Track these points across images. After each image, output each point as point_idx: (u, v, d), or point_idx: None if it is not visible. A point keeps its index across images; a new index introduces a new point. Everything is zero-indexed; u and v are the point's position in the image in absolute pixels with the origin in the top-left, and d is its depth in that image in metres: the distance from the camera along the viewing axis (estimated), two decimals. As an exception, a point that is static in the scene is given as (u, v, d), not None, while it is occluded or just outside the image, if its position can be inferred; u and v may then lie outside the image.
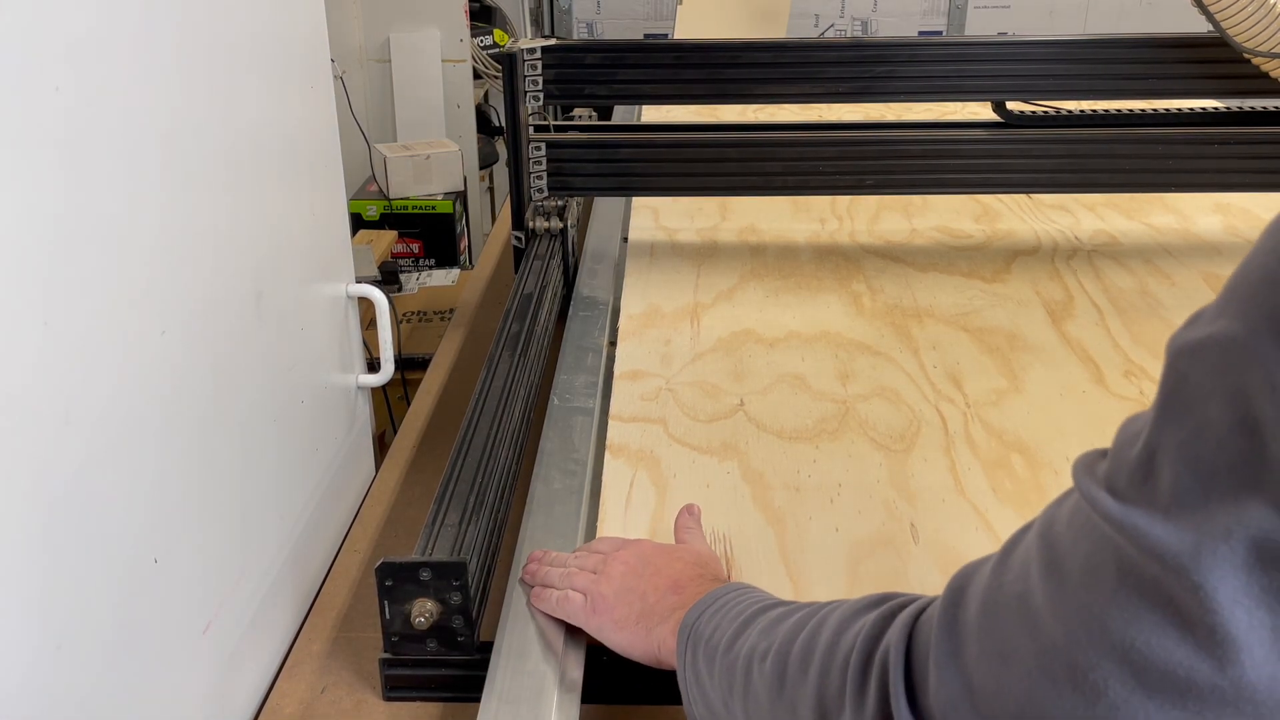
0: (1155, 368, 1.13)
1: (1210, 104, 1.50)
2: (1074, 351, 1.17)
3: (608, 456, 0.98)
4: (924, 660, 0.48)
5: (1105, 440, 1.02)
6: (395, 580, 0.75)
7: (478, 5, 3.21)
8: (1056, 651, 0.41)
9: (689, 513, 0.86)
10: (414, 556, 0.76)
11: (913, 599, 0.53)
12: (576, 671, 0.74)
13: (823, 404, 1.07)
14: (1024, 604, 0.44)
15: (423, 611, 0.75)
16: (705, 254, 1.44)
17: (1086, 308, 1.27)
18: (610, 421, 1.04)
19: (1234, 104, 1.45)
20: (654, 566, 0.77)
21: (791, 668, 0.57)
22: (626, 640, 0.74)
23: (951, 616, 0.47)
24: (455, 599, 0.75)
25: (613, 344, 1.25)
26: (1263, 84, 1.24)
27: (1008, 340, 1.19)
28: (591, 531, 0.91)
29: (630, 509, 0.90)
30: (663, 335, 1.21)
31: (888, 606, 0.53)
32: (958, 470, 0.95)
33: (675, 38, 3.13)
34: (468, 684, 0.77)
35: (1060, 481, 0.93)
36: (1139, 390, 1.08)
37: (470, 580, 0.75)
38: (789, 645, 0.58)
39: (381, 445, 1.26)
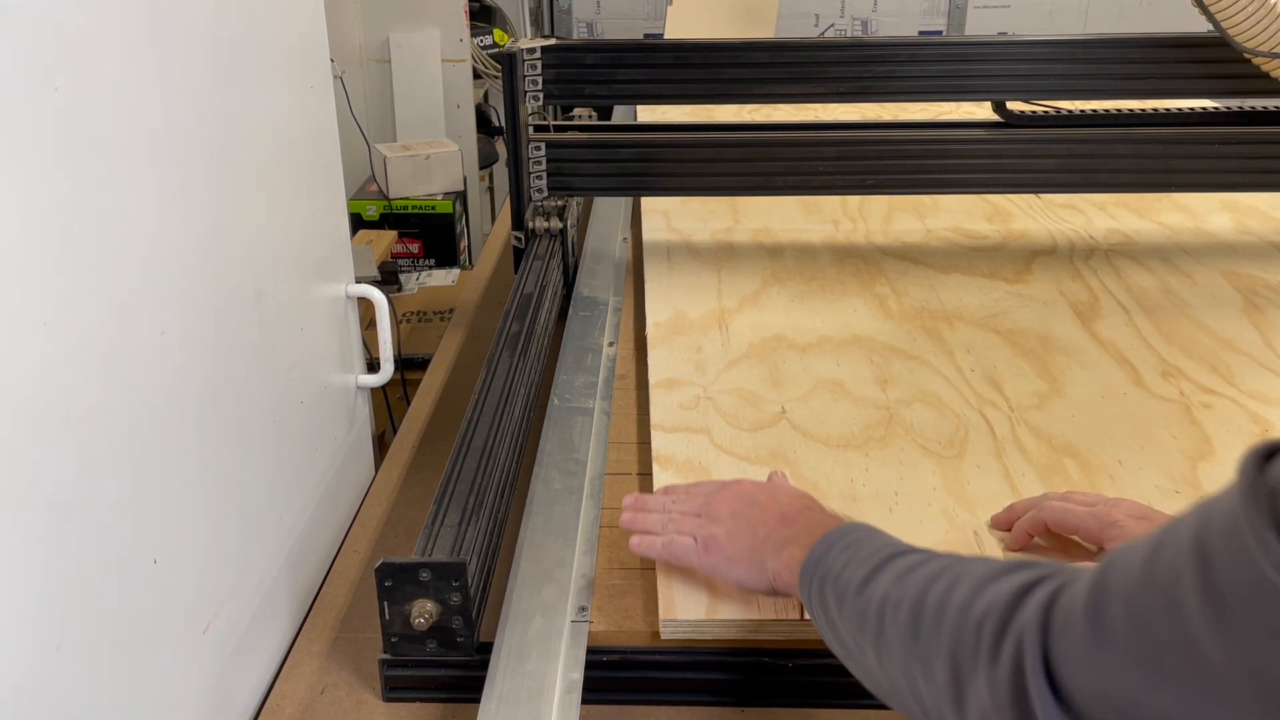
0: (1191, 368, 1.13)
1: (1210, 104, 1.50)
2: (1108, 352, 1.17)
3: (656, 468, 0.97)
4: (1065, 646, 0.49)
5: (1154, 441, 1.02)
6: (395, 581, 0.75)
7: (478, 5, 3.21)
8: (1216, 675, 0.42)
9: (778, 474, 0.89)
10: (414, 557, 0.76)
11: (1050, 573, 0.54)
12: (576, 672, 0.74)
13: (865, 410, 1.06)
14: (1176, 615, 0.44)
15: (422, 612, 0.75)
16: (723, 257, 1.44)
17: (1113, 308, 1.27)
18: (653, 432, 1.03)
19: (1234, 104, 1.45)
20: (759, 503, 0.80)
21: (926, 622, 0.58)
22: (741, 574, 0.77)
23: (1098, 609, 0.48)
24: (455, 599, 0.75)
25: (612, 344, 1.25)
26: (1263, 84, 1.24)
27: (1040, 342, 1.19)
28: (593, 530, 0.91)
29: None
30: (693, 342, 1.21)
31: (1023, 578, 0.55)
32: (1013, 476, 0.95)
33: (666, 37, 3.13)
34: (467, 685, 0.77)
35: (1116, 486, 0.93)
36: (1179, 391, 1.08)
37: (470, 580, 0.75)
38: (923, 598, 0.59)
39: (381, 445, 1.26)
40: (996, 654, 0.53)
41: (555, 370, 1.16)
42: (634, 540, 0.84)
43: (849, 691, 0.78)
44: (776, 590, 0.75)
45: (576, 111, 1.72)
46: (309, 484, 0.95)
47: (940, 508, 0.89)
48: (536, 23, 3.67)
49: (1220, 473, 0.95)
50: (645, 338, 1.22)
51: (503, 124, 1.60)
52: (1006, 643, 0.52)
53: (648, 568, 0.87)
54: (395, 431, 1.19)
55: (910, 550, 0.66)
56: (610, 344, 1.24)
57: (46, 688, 0.57)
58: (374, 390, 1.19)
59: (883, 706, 0.77)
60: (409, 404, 1.24)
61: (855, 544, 0.68)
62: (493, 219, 3.00)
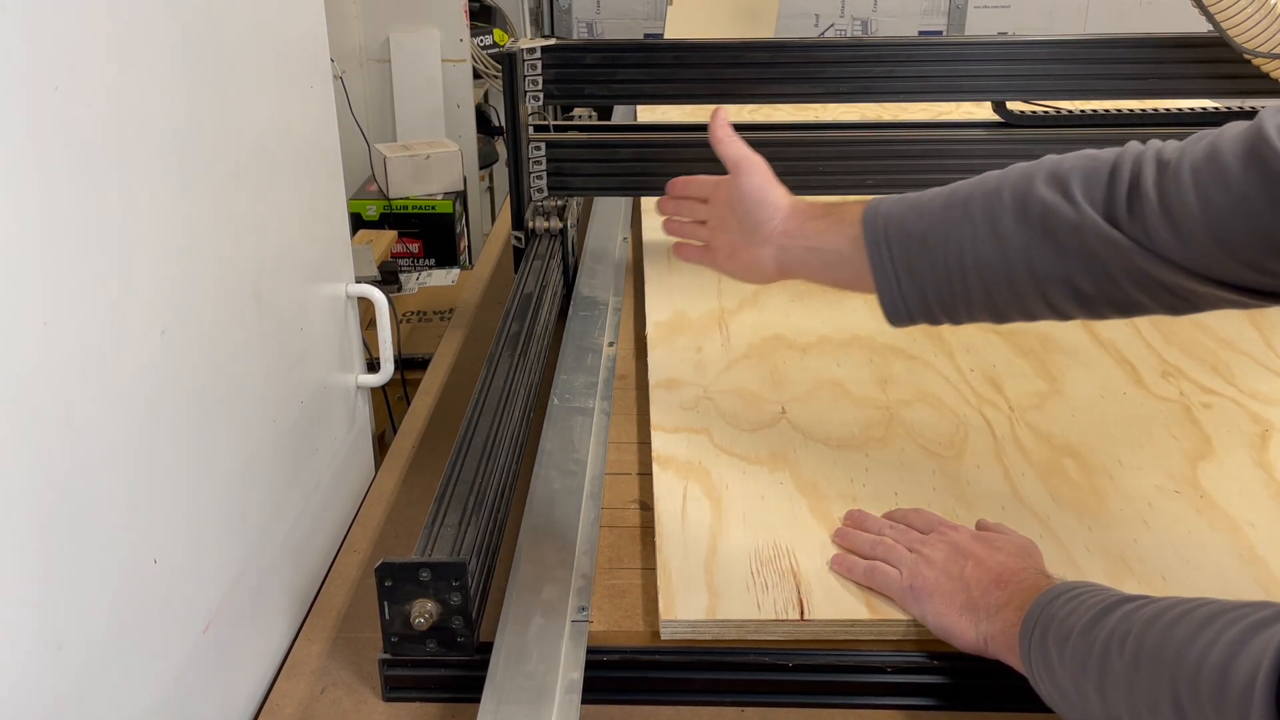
0: (1190, 368, 1.13)
1: (1210, 104, 1.50)
2: (1108, 352, 1.17)
3: (656, 469, 0.97)
4: None
5: (1154, 441, 1.03)
6: (395, 580, 0.75)
7: (478, 5, 3.21)
8: None
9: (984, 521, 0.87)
10: (414, 557, 0.76)
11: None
12: (576, 671, 0.74)
13: (865, 410, 1.06)
14: None
15: (422, 612, 0.75)
16: None
17: None
18: (653, 432, 1.03)
19: (1234, 104, 1.45)
20: (975, 557, 0.79)
21: (1146, 657, 0.58)
22: (950, 627, 0.76)
23: None
24: (455, 599, 0.75)
25: (612, 344, 1.25)
26: (1263, 84, 1.24)
27: (1040, 341, 1.19)
28: (593, 530, 0.91)
29: (687, 523, 0.89)
30: (693, 342, 1.21)
31: (1254, 618, 0.54)
32: (1012, 476, 0.95)
33: (666, 37, 3.14)
34: (467, 684, 0.77)
35: (1116, 485, 0.93)
36: (1179, 391, 1.08)
37: (470, 580, 0.75)
38: (1145, 632, 0.59)
39: (381, 445, 1.26)
40: (1222, 694, 0.52)
41: (555, 370, 1.16)
42: (835, 558, 0.84)
43: (849, 691, 0.78)
44: (985, 652, 0.74)
45: (576, 111, 1.72)
46: (309, 484, 0.95)
47: (940, 508, 0.89)
48: (536, 23, 3.67)
49: (1220, 472, 0.95)
50: (645, 338, 1.22)
51: (503, 124, 1.60)
52: (1231, 684, 0.52)
53: (648, 568, 0.87)
54: (395, 431, 1.19)
55: (1142, 596, 0.64)
56: (610, 344, 1.24)
57: (46, 688, 0.57)
58: (374, 390, 1.19)
59: (882, 706, 0.78)
60: (409, 404, 1.24)
61: (1082, 594, 0.68)
62: (493, 219, 3.00)
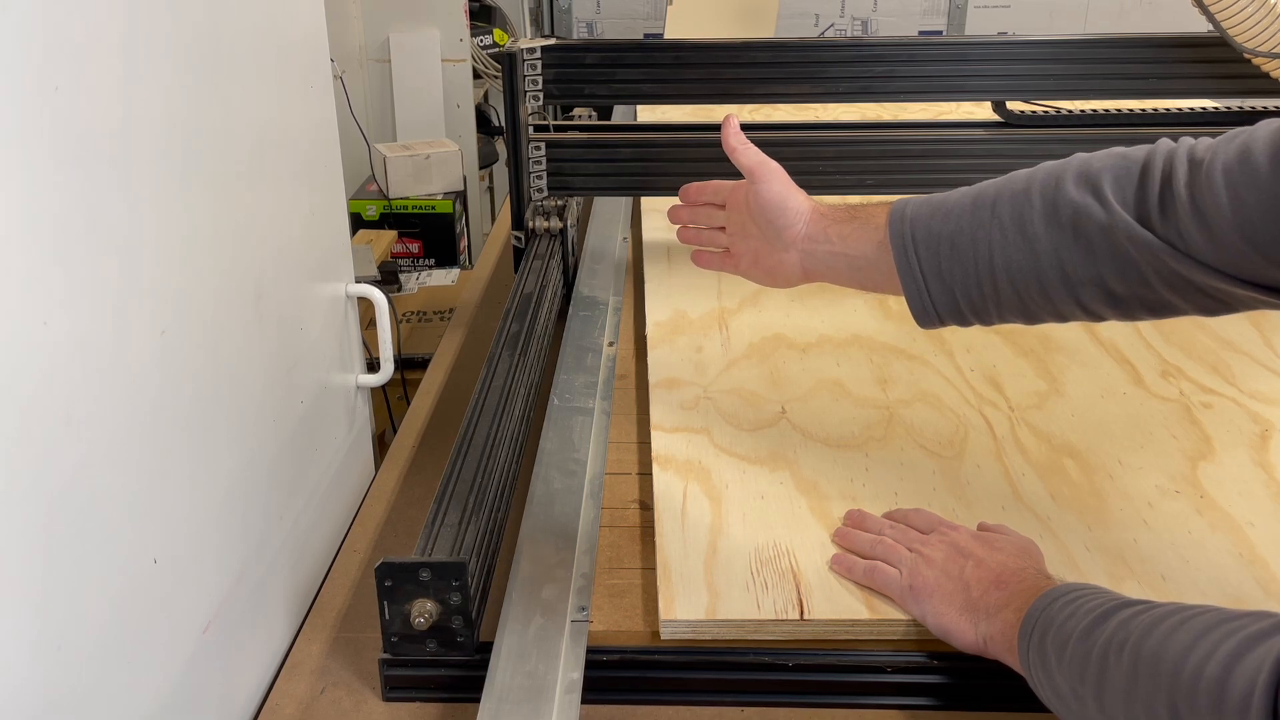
0: (1190, 368, 1.13)
1: (1210, 104, 1.50)
2: (1108, 352, 1.17)
3: (655, 469, 0.97)
4: None
5: (1154, 441, 1.04)
6: (395, 580, 0.75)
7: (478, 5, 3.21)
8: None
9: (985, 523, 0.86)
10: (414, 556, 0.76)
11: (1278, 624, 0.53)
12: (576, 671, 0.74)
13: (865, 410, 1.06)
14: None
15: (422, 612, 0.75)
16: None
17: None
18: (653, 432, 1.03)
19: (1234, 104, 1.45)
20: (975, 557, 0.79)
21: (1144, 665, 0.57)
22: (950, 627, 0.76)
23: None
24: (455, 599, 0.75)
25: (612, 344, 1.25)
26: (1263, 84, 1.24)
27: (1040, 342, 1.19)
28: (593, 530, 0.91)
29: (687, 523, 0.89)
30: (693, 342, 1.21)
31: (1253, 629, 0.54)
32: (1012, 476, 0.95)
33: (666, 37, 3.13)
34: (467, 684, 0.77)
35: (1116, 485, 0.93)
36: (1179, 391, 1.08)
37: (470, 580, 0.75)
38: (1143, 641, 0.59)
39: (381, 445, 1.26)
40: (1219, 706, 0.52)
41: (555, 370, 1.16)
42: (835, 558, 0.83)
43: (849, 691, 0.78)
44: (985, 653, 0.74)
45: (576, 111, 1.72)
46: (309, 484, 0.95)
47: (940, 508, 0.89)
48: (536, 23, 3.66)
49: (1220, 472, 0.95)
50: (645, 338, 1.22)
51: (503, 124, 1.60)
52: (1229, 697, 0.51)
53: (648, 568, 0.87)
54: (395, 431, 1.19)
55: (1142, 601, 0.64)
56: (610, 344, 1.24)
57: (47, 687, 0.57)
58: (374, 390, 1.19)
59: (882, 705, 0.78)
60: (409, 404, 1.24)
61: (1081, 598, 0.67)
62: (493, 219, 3.00)
